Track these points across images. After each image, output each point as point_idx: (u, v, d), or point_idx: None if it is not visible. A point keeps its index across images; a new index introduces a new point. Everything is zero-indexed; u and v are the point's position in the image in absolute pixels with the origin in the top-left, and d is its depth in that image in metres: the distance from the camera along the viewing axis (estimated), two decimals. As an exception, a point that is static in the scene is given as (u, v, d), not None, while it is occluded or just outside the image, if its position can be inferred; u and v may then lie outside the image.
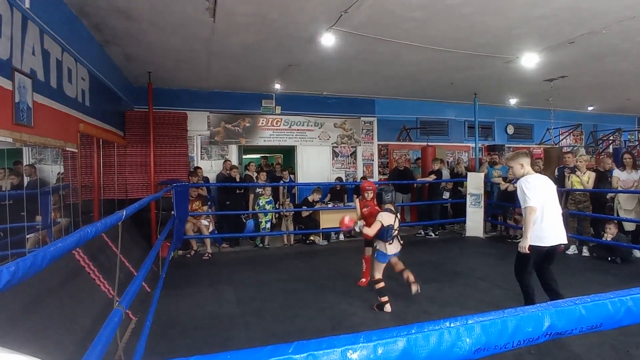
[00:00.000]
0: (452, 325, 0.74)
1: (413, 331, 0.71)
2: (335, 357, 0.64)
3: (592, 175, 5.82)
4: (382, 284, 3.66)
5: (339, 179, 8.35)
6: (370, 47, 5.31)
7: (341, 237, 7.32)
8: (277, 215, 7.25)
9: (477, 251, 6.16)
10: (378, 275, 3.70)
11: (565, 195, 5.90)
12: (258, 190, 6.74)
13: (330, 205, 7.37)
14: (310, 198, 7.19)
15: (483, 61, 5.98)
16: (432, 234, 7.45)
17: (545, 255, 3.28)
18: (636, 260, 5.29)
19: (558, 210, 3.29)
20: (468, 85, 7.61)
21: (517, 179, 6.43)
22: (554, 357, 2.67)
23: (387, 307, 3.60)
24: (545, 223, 3.15)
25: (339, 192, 7.84)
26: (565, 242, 3.30)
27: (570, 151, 7.08)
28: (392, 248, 3.69)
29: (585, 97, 9.28)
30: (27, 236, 2.97)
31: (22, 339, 1.86)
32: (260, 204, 6.61)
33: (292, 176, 8.64)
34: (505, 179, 6.82)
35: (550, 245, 3.17)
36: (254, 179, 6.99)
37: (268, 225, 6.67)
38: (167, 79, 6.96)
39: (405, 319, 3.44)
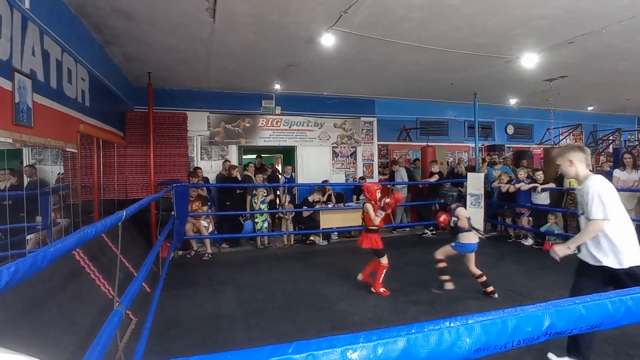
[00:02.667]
0: (452, 325, 0.74)
1: (413, 331, 0.71)
2: (335, 357, 0.64)
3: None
4: (485, 278, 4.01)
5: (325, 181, 8.06)
6: (370, 47, 5.31)
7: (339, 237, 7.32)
8: (275, 216, 7.23)
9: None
10: (474, 267, 4.06)
11: (565, 195, 5.91)
12: (255, 191, 6.74)
13: (330, 206, 7.37)
14: (310, 198, 7.19)
15: (483, 61, 5.98)
16: (429, 233, 7.49)
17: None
18: (636, 260, 5.29)
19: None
20: (468, 85, 7.61)
21: (518, 180, 6.50)
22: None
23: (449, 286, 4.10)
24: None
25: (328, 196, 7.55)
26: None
27: None
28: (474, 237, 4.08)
29: (585, 97, 9.28)
30: (28, 237, 2.97)
31: (22, 340, 1.86)
32: (255, 202, 6.61)
33: (293, 174, 8.55)
34: (503, 182, 6.82)
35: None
36: (253, 179, 6.99)
37: (265, 224, 6.66)
38: (167, 79, 6.96)
39: (405, 319, 3.44)
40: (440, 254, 4.20)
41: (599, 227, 2.35)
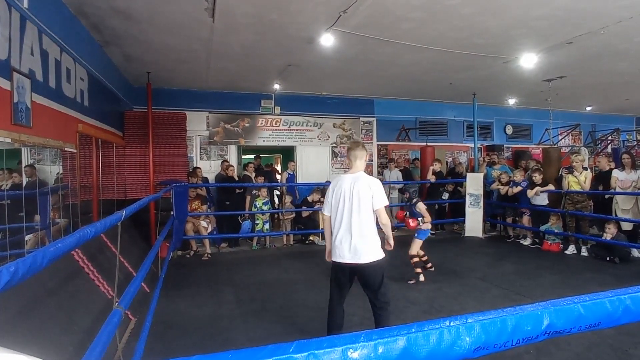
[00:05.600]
0: (451, 324, 0.74)
1: (413, 330, 0.71)
2: (336, 356, 0.64)
3: (589, 175, 5.84)
4: (417, 259, 4.49)
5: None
6: (369, 48, 5.32)
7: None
8: (275, 217, 7.21)
9: (476, 251, 6.16)
10: (416, 251, 4.48)
11: (564, 196, 5.93)
12: (254, 191, 6.73)
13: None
14: (309, 198, 7.18)
15: (482, 61, 5.99)
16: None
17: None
18: (635, 259, 5.31)
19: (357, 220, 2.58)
20: (467, 86, 7.62)
21: (514, 181, 6.52)
22: (553, 357, 2.67)
23: (422, 277, 4.37)
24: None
25: None
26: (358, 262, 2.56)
27: (579, 152, 7.10)
28: (427, 225, 4.43)
29: (584, 98, 9.31)
30: (27, 237, 2.97)
31: (22, 340, 1.86)
32: (257, 206, 6.59)
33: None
34: (501, 182, 6.82)
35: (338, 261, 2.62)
36: (253, 179, 6.98)
37: (266, 226, 6.64)
38: (166, 79, 6.95)
39: (405, 319, 3.44)
40: (413, 250, 4.50)
41: (323, 220, 2.90)
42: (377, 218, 2.65)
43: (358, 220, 2.56)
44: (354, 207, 2.57)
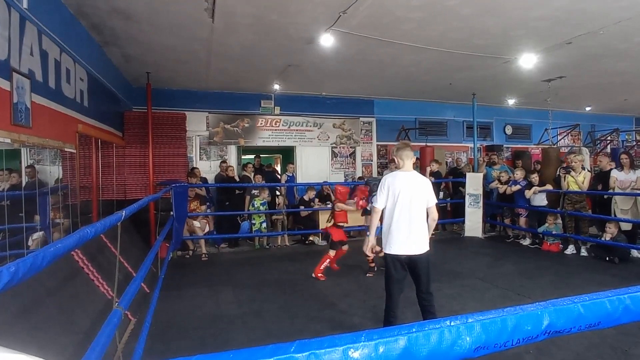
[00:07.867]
0: (452, 323, 0.74)
1: (414, 330, 0.71)
2: (337, 355, 0.64)
3: (588, 175, 5.85)
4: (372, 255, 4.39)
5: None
6: (369, 48, 5.32)
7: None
8: (272, 217, 7.20)
9: (476, 251, 6.17)
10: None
11: (562, 196, 5.94)
12: (254, 191, 6.72)
13: (329, 206, 7.34)
14: (306, 197, 7.17)
15: (482, 62, 6.00)
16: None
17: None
18: (634, 259, 5.31)
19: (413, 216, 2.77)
20: (467, 86, 7.63)
21: (515, 180, 6.53)
22: (553, 357, 2.67)
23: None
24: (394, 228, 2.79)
25: (327, 196, 7.47)
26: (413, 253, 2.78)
27: (577, 152, 7.11)
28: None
29: (583, 98, 9.32)
30: (34, 236, 2.97)
31: (21, 340, 1.86)
32: (255, 206, 6.59)
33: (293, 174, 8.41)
34: (501, 181, 6.83)
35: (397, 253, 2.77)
36: (252, 179, 6.97)
37: (264, 225, 6.64)
38: (166, 80, 6.95)
39: (405, 319, 3.44)
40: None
41: (374, 212, 2.89)
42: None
43: (415, 214, 2.76)
44: (412, 203, 2.76)
